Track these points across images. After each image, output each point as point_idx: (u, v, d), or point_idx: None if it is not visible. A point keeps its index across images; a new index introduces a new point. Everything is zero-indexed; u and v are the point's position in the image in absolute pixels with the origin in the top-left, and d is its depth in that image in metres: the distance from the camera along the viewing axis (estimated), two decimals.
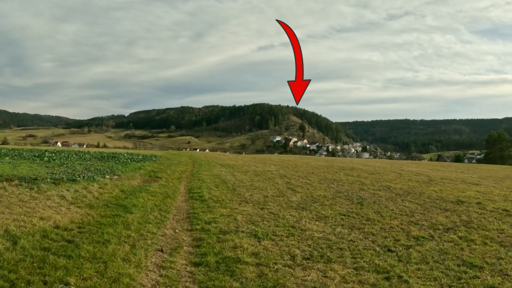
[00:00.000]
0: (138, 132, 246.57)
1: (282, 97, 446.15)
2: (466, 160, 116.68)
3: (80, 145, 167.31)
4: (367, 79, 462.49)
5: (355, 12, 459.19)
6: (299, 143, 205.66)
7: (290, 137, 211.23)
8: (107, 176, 14.51)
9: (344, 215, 10.06)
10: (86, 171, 16.04)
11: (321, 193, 13.80)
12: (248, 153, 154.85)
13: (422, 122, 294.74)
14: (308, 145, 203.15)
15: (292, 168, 25.22)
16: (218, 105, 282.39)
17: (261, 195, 12.81)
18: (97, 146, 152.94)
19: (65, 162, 19.94)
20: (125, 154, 29.16)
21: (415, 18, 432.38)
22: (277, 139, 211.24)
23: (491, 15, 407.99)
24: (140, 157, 28.12)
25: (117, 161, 22.76)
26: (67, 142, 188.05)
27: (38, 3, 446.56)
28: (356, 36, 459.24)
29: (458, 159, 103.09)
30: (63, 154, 27.11)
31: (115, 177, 14.95)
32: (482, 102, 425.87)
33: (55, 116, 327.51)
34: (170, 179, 16.60)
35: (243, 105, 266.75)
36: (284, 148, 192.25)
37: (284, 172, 22.39)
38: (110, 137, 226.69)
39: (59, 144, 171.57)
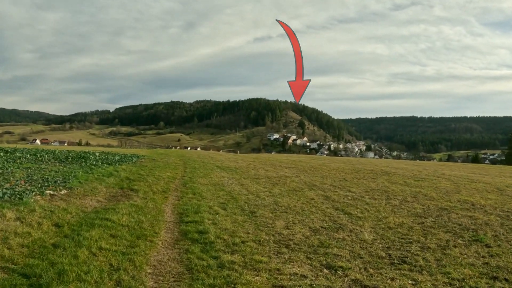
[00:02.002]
0: (124, 129, 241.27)
1: (280, 92, 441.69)
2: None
3: (61, 142, 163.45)
4: (370, 73, 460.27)
5: (358, 2, 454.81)
6: (298, 141, 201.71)
7: (288, 135, 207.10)
8: (48, 192, 9.47)
9: (496, 278, 5.27)
10: (22, 181, 11.01)
11: (395, 219, 8.97)
12: (243, 152, 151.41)
13: (430, 119, 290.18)
14: (308, 143, 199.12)
15: (313, 173, 20.53)
16: (210, 100, 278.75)
17: (304, 228, 7.89)
18: (79, 144, 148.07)
19: (3, 166, 14.83)
20: (97, 154, 23.92)
21: (422, 9, 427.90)
22: (274, 136, 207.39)
23: (503, 6, 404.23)
24: (117, 157, 23.07)
25: (83, 164, 17.73)
26: (47, 139, 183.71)
27: None
28: (359, 28, 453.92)
29: (475, 160, 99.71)
30: (16, 154, 21.98)
31: (63, 191, 9.93)
32: (494, 98, 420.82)
33: (35, 111, 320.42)
34: (151, 192, 11.63)
35: (237, 100, 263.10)
36: (282, 146, 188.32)
37: (308, 178, 17.67)
38: (93, 134, 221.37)
39: (38, 141, 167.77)
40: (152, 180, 14.12)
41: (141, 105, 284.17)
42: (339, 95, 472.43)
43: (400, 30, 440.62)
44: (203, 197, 11.25)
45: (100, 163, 18.54)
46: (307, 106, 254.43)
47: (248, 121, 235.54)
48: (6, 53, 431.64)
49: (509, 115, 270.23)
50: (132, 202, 9.66)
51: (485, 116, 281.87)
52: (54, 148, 33.79)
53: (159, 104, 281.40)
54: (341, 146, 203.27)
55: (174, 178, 15.85)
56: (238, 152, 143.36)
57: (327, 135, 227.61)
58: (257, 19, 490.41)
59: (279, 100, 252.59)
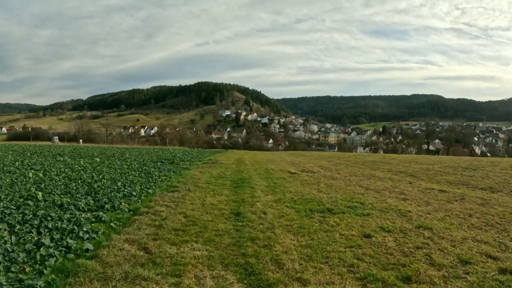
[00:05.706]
0: (89, 113, 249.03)
1: (222, 80, 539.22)
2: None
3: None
4: (283, 67, 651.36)
5: (271, 17, 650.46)
6: (249, 117, 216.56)
7: (239, 111, 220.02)
8: None
9: None
10: None
11: None
12: (199, 128, 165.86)
13: (342, 98, 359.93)
14: (259, 118, 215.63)
15: None
16: (165, 86, 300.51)
17: None
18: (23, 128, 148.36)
19: None
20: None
21: (317, 22, 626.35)
22: (226, 113, 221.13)
23: (375, 19, 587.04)
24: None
25: None
26: (13, 126, 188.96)
27: (21, 14, 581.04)
28: (272, 35, 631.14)
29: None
30: None
31: None
32: (376, 83, 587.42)
33: (24, 103, 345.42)
34: None
35: (188, 84, 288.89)
36: (236, 122, 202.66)
37: None
38: (61, 119, 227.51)
39: (4, 129, 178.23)
40: None
41: (108, 93, 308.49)
42: (262, 83, 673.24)
43: (303, 37, 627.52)
44: None
45: None
46: (248, 88, 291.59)
47: (199, 101, 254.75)
48: (8, 61, 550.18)
49: (404, 94, 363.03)
50: None
51: (386, 95, 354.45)
52: None
53: (122, 91, 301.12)
54: (288, 120, 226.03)
55: None
56: (194, 129, 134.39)
57: (271, 112, 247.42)
58: (198, 30, 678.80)
59: (224, 83, 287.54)
